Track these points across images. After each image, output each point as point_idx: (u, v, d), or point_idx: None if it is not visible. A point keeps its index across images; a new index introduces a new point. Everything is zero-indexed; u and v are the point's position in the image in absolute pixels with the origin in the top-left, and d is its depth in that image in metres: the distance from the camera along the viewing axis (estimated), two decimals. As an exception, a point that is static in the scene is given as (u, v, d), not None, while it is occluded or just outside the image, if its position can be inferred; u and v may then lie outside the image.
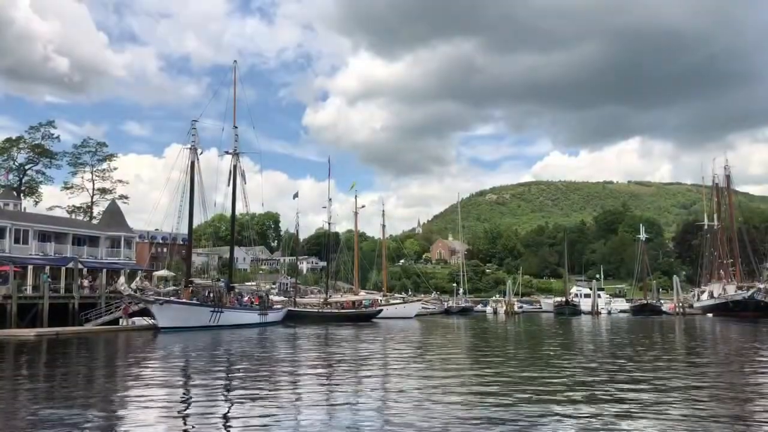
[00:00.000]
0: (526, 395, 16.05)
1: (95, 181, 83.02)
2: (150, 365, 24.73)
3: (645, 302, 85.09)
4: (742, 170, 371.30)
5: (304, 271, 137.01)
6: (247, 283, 76.03)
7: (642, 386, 17.67)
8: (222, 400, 16.13)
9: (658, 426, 12.29)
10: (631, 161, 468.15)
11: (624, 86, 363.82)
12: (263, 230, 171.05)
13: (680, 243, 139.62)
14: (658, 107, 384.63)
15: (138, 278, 47.59)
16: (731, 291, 73.60)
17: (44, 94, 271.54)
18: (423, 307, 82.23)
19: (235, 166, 55.52)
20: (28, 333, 37.79)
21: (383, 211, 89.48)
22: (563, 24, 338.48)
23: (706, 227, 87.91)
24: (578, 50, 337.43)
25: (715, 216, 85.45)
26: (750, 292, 68.75)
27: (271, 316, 55.59)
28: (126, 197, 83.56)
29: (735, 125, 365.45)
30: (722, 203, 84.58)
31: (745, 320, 59.79)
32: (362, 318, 63.86)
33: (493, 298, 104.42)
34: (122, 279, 45.54)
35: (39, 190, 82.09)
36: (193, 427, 12.96)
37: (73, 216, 78.13)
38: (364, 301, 71.48)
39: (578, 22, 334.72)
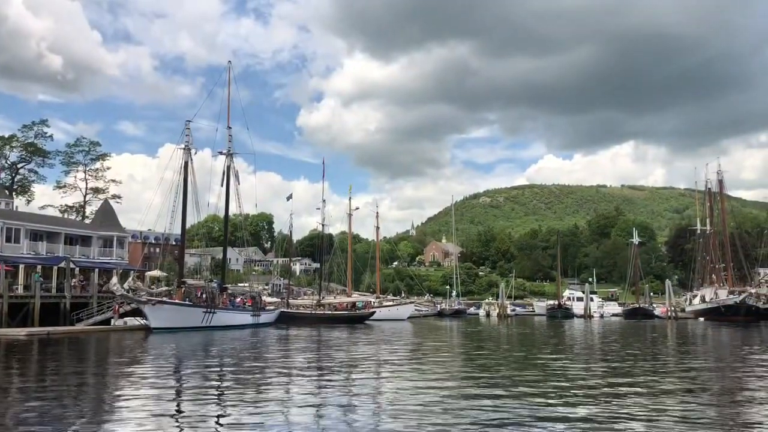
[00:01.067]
0: (517, 398, 16.06)
1: (88, 181, 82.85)
2: (141, 366, 24.62)
3: (637, 306, 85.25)
4: (735, 175, 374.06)
5: (298, 273, 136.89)
6: (240, 284, 75.85)
7: (634, 388, 17.70)
8: (212, 402, 16.07)
9: (652, 427, 12.32)
10: (624, 165, 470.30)
11: (618, 90, 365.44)
12: (256, 231, 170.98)
13: (673, 247, 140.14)
14: (653, 111, 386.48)
15: (130, 278, 47.42)
16: (723, 295, 73.90)
17: (37, 92, 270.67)
18: (416, 310, 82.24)
19: (228, 167, 55.50)
20: (19, 332, 37.61)
21: (377, 213, 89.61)
22: (558, 27, 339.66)
23: (698, 232, 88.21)
24: (573, 54, 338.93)
25: (708, 221, 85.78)
26: (741, 297, 69.04)
27: (264, 318, 55.48)
28: (119, 197, 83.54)
29: (729, 130, 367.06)
30: (715, 208, 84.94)
31: (737, 324, 60.02)
32: (355, 320, 63.80)
33: (486, 300, 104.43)
34: (115, 279, 45.38)
35: (31, 189, 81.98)
36: (183, 428, 12.90)
37: (66, 215, 77.86)
38: (357, 303, 71.43)
39: (573, 26, 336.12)
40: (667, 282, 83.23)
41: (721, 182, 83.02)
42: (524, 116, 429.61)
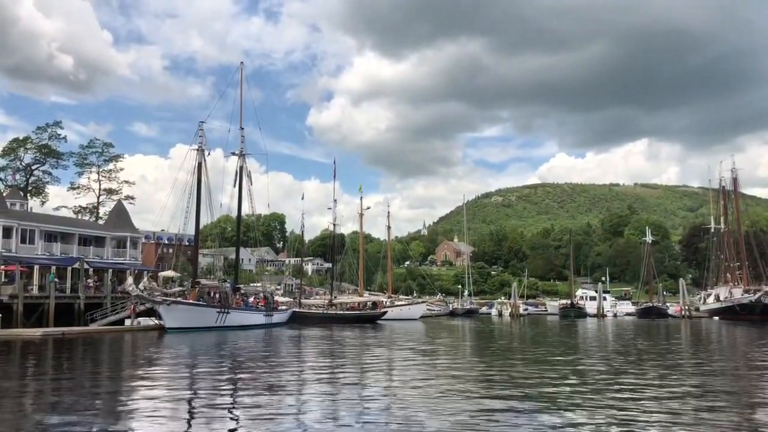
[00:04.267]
0: (529, 401, 16.01)
1: (101, 182, 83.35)
2: (156, 366, 24.73)
3: (651, 305, 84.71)
4: (751, 172, 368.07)
5: (310, 273, 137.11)
6: (252, 284, 76.08)
7: (647, 391, 17.59)
8: (226, 404, 16.12)
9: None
10: (637, 163, 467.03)
11: (631, 87, 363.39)
12: (269, 231, 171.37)
13: (687, 246, 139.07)
14: (666, 108, 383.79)
15: (145, 279, 47.68)
16: (738, 294, 73.31)
17: (49, 93, 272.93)
18: (428, 309, 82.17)
19: (241, 168, 55.67)
20: (35, 332, 37.96)
21: (388, 212, 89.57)
22: (570, 24, 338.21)
23: (713, 230, 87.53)
24: (585, 51, 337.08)
25: (722, 219, 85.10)
26: (757, 296, 68.45)
27: (277, 318, 55.65)
28: (132, 198, 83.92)
29: (744, 127, 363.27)
30: (729, 206, 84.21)
31: (752, 324, 59.51)
32: (367, 320, 63.81)
33: (499, 300, 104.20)
34: (130, 279, 45.70)
35: (45, 190, 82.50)
36: (197, 428, 12.94)
37: (80, 216, 78.38)
38: (369, 303, 71.53)
39: (585, 23, 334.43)
40: (681, 281, 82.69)
41: (735, 180, 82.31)
42: (536, 114, 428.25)
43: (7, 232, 49.29)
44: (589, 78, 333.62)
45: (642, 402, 15.46)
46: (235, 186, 55.62)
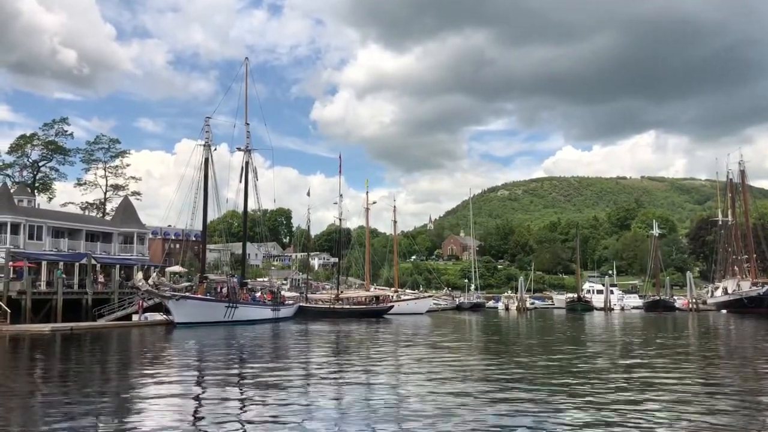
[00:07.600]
0: (534, 398, 15.99)
1: (108, 178, 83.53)
2: (169, 361, 24.80)
3: (658, 298, 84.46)
4: (759, 165, 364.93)
5: (316, 267, 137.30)
6: (259, 279, 76.30)
7: (657, 388, 17.54)
8: (235, 398, 16.16)
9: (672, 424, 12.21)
10: (644, 156, 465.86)
11: (638, 79, 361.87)
12: (275, 226, 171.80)
13: (694, 239, 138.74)
14: (673, 100, 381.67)
15: (154, 274, 47.82)
16: (746, 287, 73.07)
17: (53, 89, 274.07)
18: (434, 303, 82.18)
19: (247, 163, 55.63)
20: (43, 328, 38.17)
21: (394, 207, 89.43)
22: (576, 15, 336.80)
23: (720, 223, 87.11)
24: (592, 41, 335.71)
25: (730, 212, 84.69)
26: (765, 288, 68.23)
27: (283, 312, 55.81)
28: (139, 194, 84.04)
29: (752, 118, 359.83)
30: (737, 199, 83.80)
31: (760, 317, 59.30)
32: (373, 314, 63.88)
33: (505, 294, 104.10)
34: (140, 275, 45.81)
35: (52, 186, 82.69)
36: (206, 424, 12.97)
37: (86, 212, 78.59)
38: (375, 297, 71.61)
39: (591, 13, 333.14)
40: (688, 274, 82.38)
41: (743, 172, 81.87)
42: (542, 106, 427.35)
43: (15, 229, 49.49)
44: (595, 70, 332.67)
45: (659, 399, 15.44)
46: (241, 181, 55.66)
